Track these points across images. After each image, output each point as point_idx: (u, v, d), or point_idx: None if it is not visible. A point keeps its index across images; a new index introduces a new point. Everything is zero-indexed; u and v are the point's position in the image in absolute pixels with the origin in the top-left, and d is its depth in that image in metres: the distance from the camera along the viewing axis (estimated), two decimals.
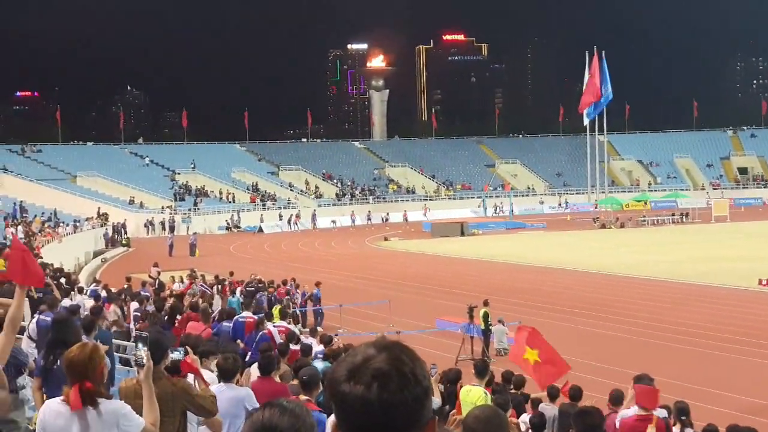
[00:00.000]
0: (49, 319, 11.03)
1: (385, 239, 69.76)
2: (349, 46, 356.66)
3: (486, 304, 26.38)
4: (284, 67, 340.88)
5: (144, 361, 5.87)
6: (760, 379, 21.99)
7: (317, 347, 16.50)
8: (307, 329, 22.94)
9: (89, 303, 18.44)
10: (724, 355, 24.76)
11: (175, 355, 7.55)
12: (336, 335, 21.49)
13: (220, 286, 30.79)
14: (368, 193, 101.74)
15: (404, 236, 72.61)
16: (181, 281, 31.83)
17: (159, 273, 36.74)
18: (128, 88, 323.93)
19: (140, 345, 5.93)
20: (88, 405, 5.33)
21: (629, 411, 9.83)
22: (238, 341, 16.56)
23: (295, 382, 10.33)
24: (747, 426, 10.86)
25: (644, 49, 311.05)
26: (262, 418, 2.45)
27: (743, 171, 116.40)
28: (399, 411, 2.03)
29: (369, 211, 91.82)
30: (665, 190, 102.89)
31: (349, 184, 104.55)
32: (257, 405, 8.15)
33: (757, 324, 29.16)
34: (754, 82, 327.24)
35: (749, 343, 25.90)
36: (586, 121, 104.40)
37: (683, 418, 11.85)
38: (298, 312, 30.40)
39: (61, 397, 5.47)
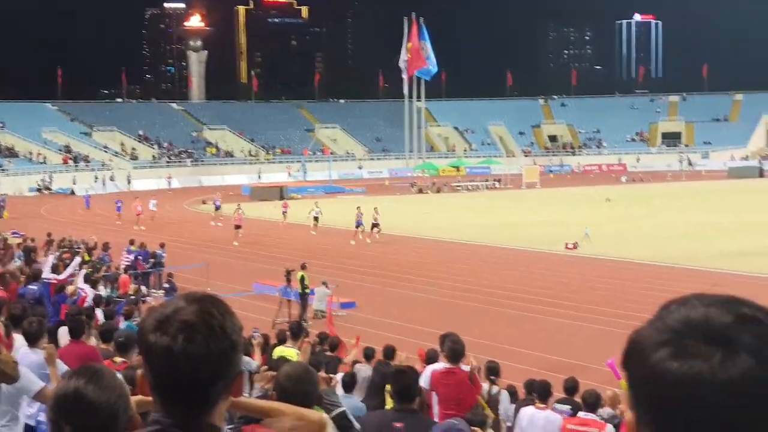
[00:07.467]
0: None
1: (203, 203, 68.73)
2: (166, 5, 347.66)
3: (303, 267, 26.59)
4: (99, 25, 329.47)
5: None
6: (561, 338, 23.20)
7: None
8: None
9: None
10: (528, 316, 25.92)
11: None
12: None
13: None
14: (186, 156, 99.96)
15: (223, 200, 71.62)
16: None
17: None
18: None
19: None
20: None
21: (438, 365, 10.28)
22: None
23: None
24: (542, 379, 11.45)
25: (460, 17, 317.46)
26: (67, 388, 2.32)
27: (553, 139, 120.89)
28: (203, 363, 2.03)
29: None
30: (480, 156, 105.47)
31: (166, 146, 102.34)
32: (65, 368, 8.01)
33: (561, 286, 30.56)
34: (565, 52, 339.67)
35: (553, 304, 27.16)
36: (405, 89, 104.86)
37: (492, 377, 12.40)
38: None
39: None
